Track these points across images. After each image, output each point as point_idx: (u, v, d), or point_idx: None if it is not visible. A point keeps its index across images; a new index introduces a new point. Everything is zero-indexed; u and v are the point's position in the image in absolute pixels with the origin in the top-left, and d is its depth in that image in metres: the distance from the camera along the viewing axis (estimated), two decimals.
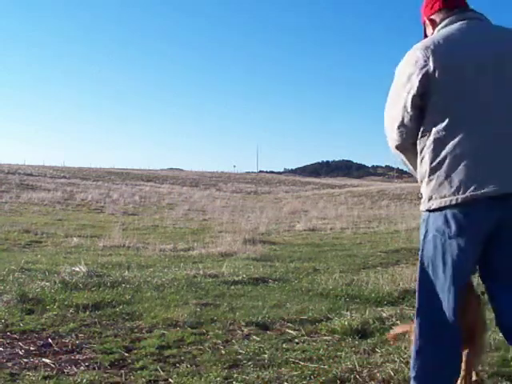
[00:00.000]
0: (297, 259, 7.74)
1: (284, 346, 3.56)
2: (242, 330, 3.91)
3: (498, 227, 1.99)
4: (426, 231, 2.10)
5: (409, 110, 2.04)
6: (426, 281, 2.10)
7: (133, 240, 9.37)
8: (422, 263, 2.12)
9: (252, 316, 4.23)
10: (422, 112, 2.03)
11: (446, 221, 2.00)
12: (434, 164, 2.02)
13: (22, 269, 6.01)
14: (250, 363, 3.22)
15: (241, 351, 3.42)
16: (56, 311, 4.32)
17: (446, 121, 1.97)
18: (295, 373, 3.05)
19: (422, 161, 2.08)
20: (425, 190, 2.09)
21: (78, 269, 5.75)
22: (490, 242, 2.03)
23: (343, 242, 10.32)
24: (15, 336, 3.74)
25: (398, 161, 2.31)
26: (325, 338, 3.76)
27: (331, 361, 3.20)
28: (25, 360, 3.27)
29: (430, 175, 2.04)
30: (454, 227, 1.99)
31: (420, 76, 1.97)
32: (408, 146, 2.15)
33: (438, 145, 1.99)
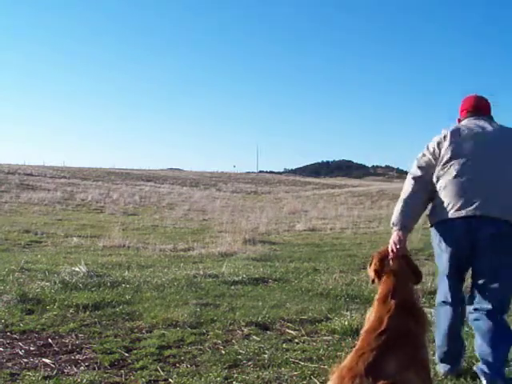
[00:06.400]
0: (297, 259, 7.74)
1: (284, 345, 3.57)
2: (242, 330, 3.92)
3: (475, 240, 2.82)
4: (436, 238, 3.05)
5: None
6: (439, 271, 3.10)
7: (133, 240, 9.38)
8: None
9: (252, 316, 4.23)
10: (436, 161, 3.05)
11: (443, 231, 2.98)
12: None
13: (22, 269, 6.02)
14: (250, 363, 3.22)
15: (241, 351, 3.43)
16: (56, 311, 4.33)
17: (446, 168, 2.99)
18: (295, 373, 3.06)
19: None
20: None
21: (77, 269, 5.75)
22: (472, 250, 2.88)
23: (343, 242, 10.31)
24: (15, 336, 3.75)
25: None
26: (325, 338, 3.77)
27: (331, 361, 3.21)
28: (25, 360, 3.28)
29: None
30: (444, 237, 2.97)
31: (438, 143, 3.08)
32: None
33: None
